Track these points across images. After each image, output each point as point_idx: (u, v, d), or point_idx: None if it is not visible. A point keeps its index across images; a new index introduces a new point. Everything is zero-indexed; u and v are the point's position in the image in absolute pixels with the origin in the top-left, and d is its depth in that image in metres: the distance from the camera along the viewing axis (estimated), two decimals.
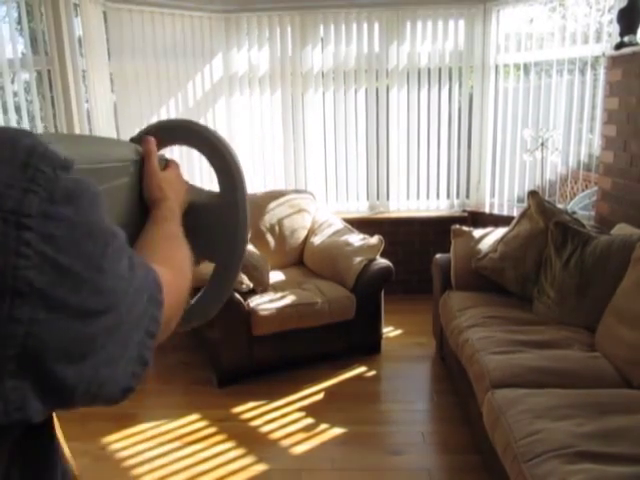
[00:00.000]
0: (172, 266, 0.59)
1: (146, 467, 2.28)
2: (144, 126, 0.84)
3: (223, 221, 0.80)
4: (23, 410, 0.37)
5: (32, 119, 3.07)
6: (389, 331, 3.50)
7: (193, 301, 0.81)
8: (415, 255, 4.14)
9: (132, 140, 0.79)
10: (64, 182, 0.39)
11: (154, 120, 0.90)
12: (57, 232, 0.37)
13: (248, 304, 2.84)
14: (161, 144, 0.78)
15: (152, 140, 0.74)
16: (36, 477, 0.46)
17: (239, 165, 0.81)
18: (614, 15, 3.09)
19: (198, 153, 0.84)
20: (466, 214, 4.13)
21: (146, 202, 0.73)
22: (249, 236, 0.86)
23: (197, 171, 3.79)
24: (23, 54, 3.07)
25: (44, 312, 0.36)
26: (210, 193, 0.84)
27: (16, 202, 0.36)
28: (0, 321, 0.35)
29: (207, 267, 0.83)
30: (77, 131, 3.13)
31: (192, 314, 0.80)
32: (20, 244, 0.35)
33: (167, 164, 0.78)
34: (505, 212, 4.01)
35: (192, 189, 0.82)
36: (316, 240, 3.51)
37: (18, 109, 3.01)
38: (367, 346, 3.21)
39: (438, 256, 3.15)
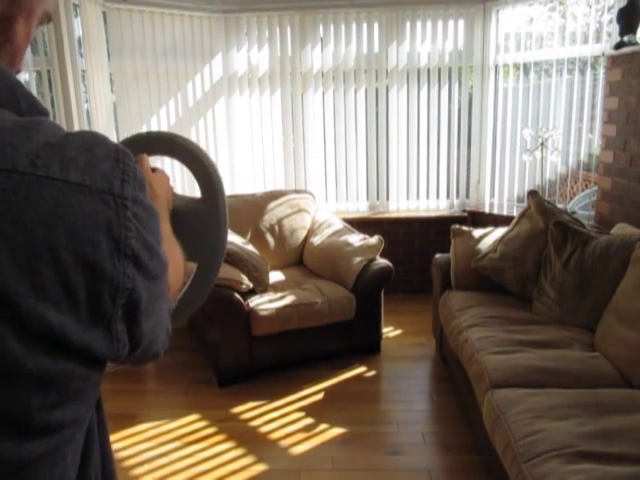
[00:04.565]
0: (172, 262, 0.65)
1: (146, 467, 2.28)
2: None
3: (205, 225, 0.88)
4: (125, 348, 0.49)
5: None
6: (389, 331, 3.50)
7: (177, 300, 0.87)
8: (415, 255, 4.14)
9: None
10: (139, 173, 0.50)
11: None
12: (139, 212, 0.48)
13: (248, 304, 2.84)
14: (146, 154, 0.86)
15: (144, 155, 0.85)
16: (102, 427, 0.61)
17: (218, 173, 0.90)
18: (614, 15, 3.09)
19: (177, 163, 0.90)
20: (466, 214, 4.13)
21: None
22: (228, 238, 0.95)
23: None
24: None
25: (135, 271, 0.47)
26: (192, 199, 0.92)
27: (120, 189, 0.47)
28: (118, 276, 0.46)
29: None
30: None
31: (175, 312, 0.86)
32: (126, 219, 0.47)
33: (155, 169, 0.85)
34: (505, 212, 4.01)
35: (175, 195, 0.89)
36: (316, 240, 3.51)
37: None
38: (367, 346, 3.21)
39: (438, 256, 3.15)
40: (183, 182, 3.80)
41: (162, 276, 0.53)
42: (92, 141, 0.48)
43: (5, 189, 0.42)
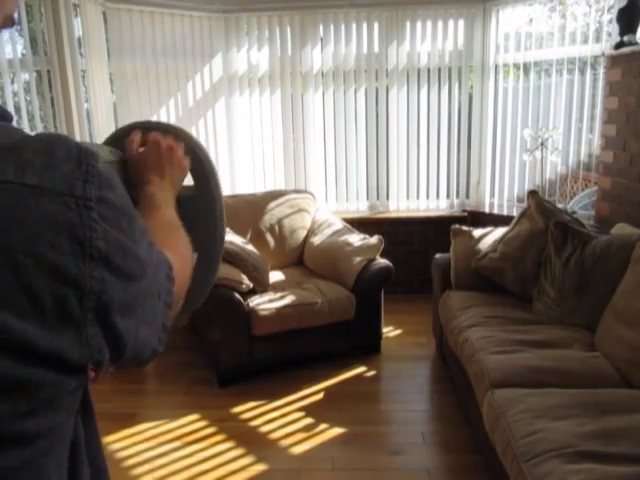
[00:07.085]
0: (176, 253, 0.65)
1: (146, 467, 2.28)
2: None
3: (201, 212, 0.85)
4: (100, 352, 0.48)
5: (32, 119, 3.07)
6: (389, 331, 3.50)
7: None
8: (415, 255, 4.14)
9: (106, 143, 0.85)
10: (105, 173, 0.49)
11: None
12: (107, 212, 0.47)
13: (248, 304, 2.84)
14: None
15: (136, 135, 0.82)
16: (89, 430, 0.59)
17: (210, 158, 0.87)
18: (614, 15, 3.09)
19: None
20: (466, 214, 4.13)
21: (134, 183, 0.78)
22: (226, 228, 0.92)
23: None
24: (23, 54, 3.07)
25: (107, 273, 0.46)
26: (186, 187, 0.88)
27: (82, 190, 0.46)
28: (84, 279, 0.45)
29: None
30: (77, 131, 3.13)
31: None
32: (91, 221, 0.45)
33: (156, 141, 0.83)
34: (505, 212, 4.01)
35: None
36: (316, 240, 3.51)
37: (18, 109, 3.00)
38: (367, 346, 3.21)
39: (438, 256, 3.15)
40: None
41: (142, 275, 0.51)
42: (51, 143, 0.47)
43: None
